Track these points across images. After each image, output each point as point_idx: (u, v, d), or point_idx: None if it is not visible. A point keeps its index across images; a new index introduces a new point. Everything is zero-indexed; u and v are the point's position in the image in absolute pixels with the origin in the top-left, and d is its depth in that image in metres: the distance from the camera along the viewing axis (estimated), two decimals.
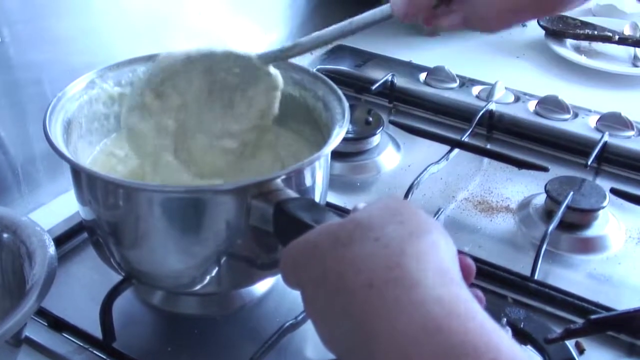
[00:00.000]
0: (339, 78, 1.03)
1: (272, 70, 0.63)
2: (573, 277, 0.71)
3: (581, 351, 0.61)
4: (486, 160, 0.89)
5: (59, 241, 0.69)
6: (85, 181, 0.56)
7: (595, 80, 1.10)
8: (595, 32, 1.18)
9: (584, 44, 1.21)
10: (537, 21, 1.20)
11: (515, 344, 0.35)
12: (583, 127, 0.92)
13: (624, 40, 1.17)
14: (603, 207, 0.76)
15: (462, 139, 0.89)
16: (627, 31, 1.21)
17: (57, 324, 0.62)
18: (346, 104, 0.61)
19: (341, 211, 0.73)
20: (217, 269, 0.57)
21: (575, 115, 0.94)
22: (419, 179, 0.80)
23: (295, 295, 0.42)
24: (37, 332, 0.61)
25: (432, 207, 0.79)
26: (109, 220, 0.57)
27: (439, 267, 0.38)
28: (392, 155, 0.90)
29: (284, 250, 0.44)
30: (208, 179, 0.62)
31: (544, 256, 0.70)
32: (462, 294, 0.37)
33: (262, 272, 0.60)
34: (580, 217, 0.76)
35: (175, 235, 0.55)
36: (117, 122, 0.67)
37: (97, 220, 0.58)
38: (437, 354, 0.33)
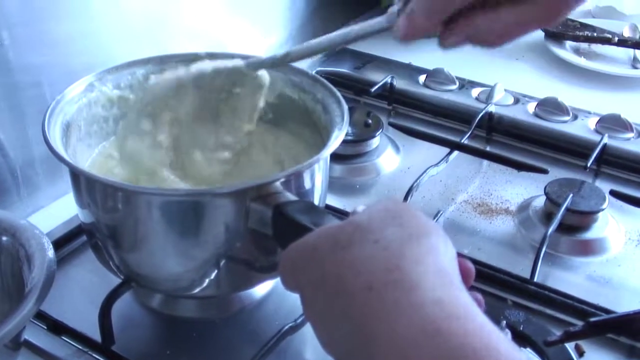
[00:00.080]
0: (339, 80, 1.03)
1: (260, 71, 0.64)
2: (573, 279, 0.71)
3: (581, 354, 0.61)
4: (485, 162, 0.89)
5: (58, 244, 0.69)
6: (84, 184, 0.56)
7: (595, 82, 1.10)
8: (595, 34, 1.18)
9: (584, 45, 1.21)
10: None
11: (514, 347, 0.35)
12: (582, 129, 0.92)
13: (623, 42, 1.17)
14: (602, 209, 0.76)
15: (462, 141, 0.89)
16: (627, 33, 1.21)
17: (56, 327, 0.61)
18: (345, 107, 0.61)
19: (340, 214, 0.73)
20: (216, 272, 0.56)
21: (575, 117, 0.94)
22: (418, 181, 0.80)
23: (295, 298, 0.42)
24: (36, 335, 0.61)
25: (431, 209, 0.79)
26: (107, 223, 0.57)
27: (438, 270, 0.38)
28: (392, 158, 0.90)
29: (283, 253, 0.44)
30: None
31: (544, 258, 0.70)
32: (461, 297, 0.37)
33: (261, 275, 0.60)
34: (580, 220, 0.76)
35: (174, 238, 0.55)
36: (116, 124, 0.67)
37: (96, 223, 0.58)
38: (436, 356, 0.33)
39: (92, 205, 0.57)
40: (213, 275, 0.57)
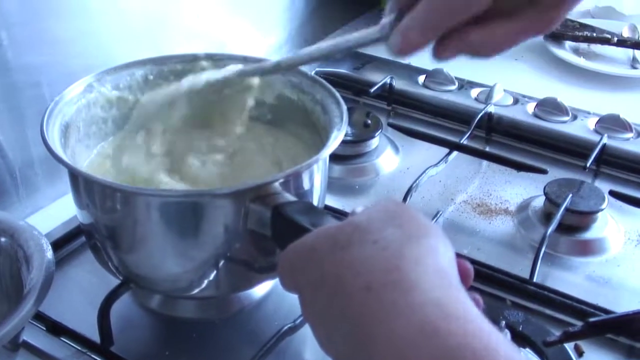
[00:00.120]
0: (338, 81, 1.03)
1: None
2: (572, 279, 0.71)
3: (580, 354, 0.61)
4: (485, 162, 0.89)
5: (57, 245, 0.69)
6: (82, 185, 0.56)
7: (594, 82, 1.10)
8: (594, 34, 1.18)
9: (583, 45, 1.21)
10: None
11: (513, 347, 0.35)
12: (582, 129, 0.92)
13: (622, 42, 1.17)
14: (602, 210, 0.76)
15: (461, 141, 0.89)
16: (626, 33, 1.21)
17: (55, 328, 0.61)
18: (344, 107, 0.61)
19: (340, 214, 0.73)
20: (215, 272, 0.56)
21: (574, 118, 0.94)
22: (417, 181, 0.80)
23: (294, 298, 0.42)
24: (35, 337, 0.60)
25: (430, 209, 0.79)
26: (106, 224, 0.57)
27: (437, 271, 0.38)
28: (391, 158, 0.90)
29: (281, 253, 0.44)
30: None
31: (543, 259, 0.70)
32: (460, 297, 0.37)
33: (260, 276, 0.60)
34: (579, 220, 0.76)
35: (173, 239, 0.55)
36: (115, 125, 0.67)
37: (94, 224, 0.58)
38: (434, 356, 0.33)
39: (90, 206, 0.57)
40: (212, 276, 0.57)
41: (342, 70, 1.07)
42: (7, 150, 0.73)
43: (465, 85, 1.02)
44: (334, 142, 0.57)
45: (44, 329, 0.62)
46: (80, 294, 0.67)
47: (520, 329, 0.61)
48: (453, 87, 1.01)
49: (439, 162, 0.84)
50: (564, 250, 0.74)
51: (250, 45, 1.06)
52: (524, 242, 0.76)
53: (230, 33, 1.01)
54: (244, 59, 0.69)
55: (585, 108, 0.96)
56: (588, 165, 0.84)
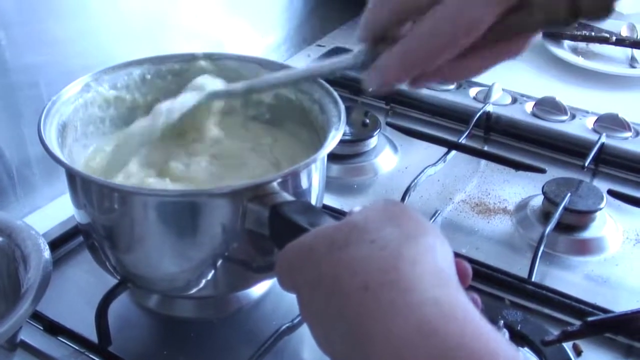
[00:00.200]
0: (336, 80, 1.02)
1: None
2: (570, 278, 0.71)
3: (578, 353, 0.61)
4: (483, 162, 0.89)
5: (55, 244, 0.69)
6: (80, 185, 0.56)
7: (593, 81, 1.10)
8: (593, 33, 1.18)
9: (582, 45, 1.21)
10: None
11: (512, 347, 0.34)
12: (580, 128, 0.92)
13: (621, 42, 1.17)
14: (600, 209, 0.76)
15: (460, 140, 0.89)
16: (625, 32, 1.21)
17: (53, 328, 0.61)
18: (342, 107, 0.61)
19: (338, 213, 0.73)
20: (213, 272, 0.56)
21: (573, 117, 0.94)
22: (416, 181, 0.80)
23: (292, 298, 0.42)
24: (33, 336, 0.60)
25: (429, 209, 0.78)
26: (104, 223, 0.56)
27: (435, 270, 0.38)
28: (389, 157, 0.89)
29: (279, 253, 0.44)
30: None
31: (541, 258, 0.70)
32: (459, 297, 0.37)
33: (258, 275, 0.60)
34: (578, 219, 0.76)
35: (171, 239, 0.55)
36: (113, 125, 0.67)
37: (92, 223, 0.58)
38: (432, 356, 0.33)
39: (88, 206, 0.57)
40: (210, 276, 0.57)
41: None
42: (5, 150, 0.73)
43: (463, 84, 1.01)
44: (332, 141, 0.57)
45: (42, 328, 0.62)
46: (78, 293, 0.67)
47: (519, 328, 0.61)
48: (451, 86, 1.01)
49: (437, 162, 0.84)
50: (562, 249, 0.74)
51: (248, 45, 1.06)
52: (522, 242, 0.76)
53: (229, 33, 1.01)
54: (242, 59, 0.69)
55: (583, 107, 0.96)
56: (586, 164, 0.84)
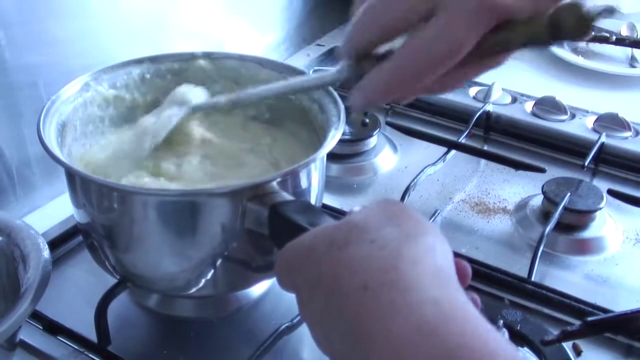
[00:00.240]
0: None
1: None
2: (570, 278, 0.71)
3: (578, 353, 0.61)
4: (483, 161, 0.89)
5: (54, 244, 0.69)
6: (79, 184, 0.56)
7: (593, 81, 1.10)
8: (593, 33, 1.18)
9: (581, 44, 1.20)
10: None
11: (512, 347, 0.34)
12: (580, 128, 0.92)
13: (621, 41, 1.17)
14: (600, 209, 0.76)
15: (459, 140, 0.89)
16: (625, 32, 1.21)
17: (52, 327, 0.61)
18: (342, 106, 0.61)
19: (337, 213, 0.73)
20: (212, 271, 0.56)
21: (573, 116, 0.94)
22: (415, 180, 0.80)
23: (292, 297, 0.42)
24: (32, 336, 0.60)
25: (428, 208, 0.78)
26: (103, 223, 0.56)
27: (435, 270, 0.38)
28: (389, 157, 0.89)
29: (279, 253, 0.44)
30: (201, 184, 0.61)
31: (541, 257, 0.70)
32: (458, 297, 0.36)
33: (258, 275, 0.60)
34: (578, 219, 0.76)
35: (170, 239, 0.55)
36: (112, 124, 0.67)
37: (91, 223, 0.58)
38: (432, 355, 0.33)
39: (87, 206, 0.57)
40: (209, 275, 0.57)
41: None
42: (4, 149, 0.73)
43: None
44: (332, 141, 0.57)
45: (41, 328, 0.61)
46: (77, 293, 0.67)
47: (519, 328, 0.61)
48: None
49: (437, 161, 0.84)
50: (562, 249, 0.74)
51: (248, 45, 1.06)
52: (522, 241, 0.76)
53: (229, 32, 1.01)
54: (241, 58, 0.69)
55: (583, 107, 0.96)
56: (586, 164, 0.84)
